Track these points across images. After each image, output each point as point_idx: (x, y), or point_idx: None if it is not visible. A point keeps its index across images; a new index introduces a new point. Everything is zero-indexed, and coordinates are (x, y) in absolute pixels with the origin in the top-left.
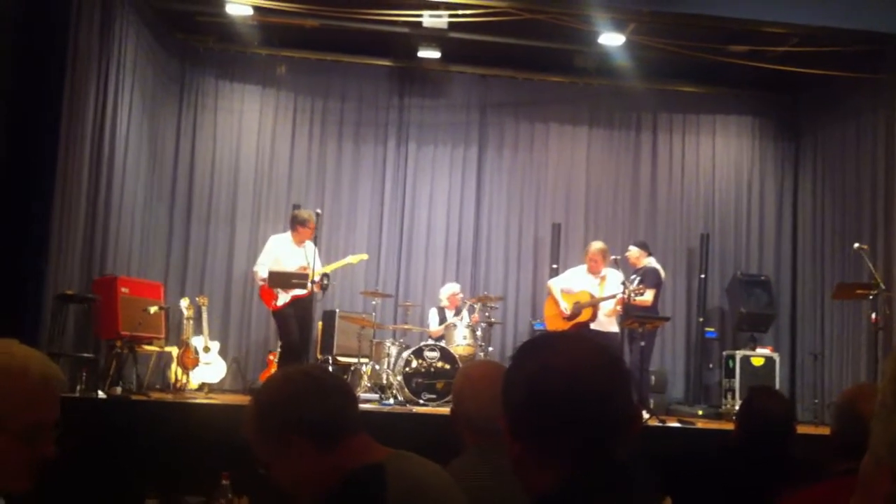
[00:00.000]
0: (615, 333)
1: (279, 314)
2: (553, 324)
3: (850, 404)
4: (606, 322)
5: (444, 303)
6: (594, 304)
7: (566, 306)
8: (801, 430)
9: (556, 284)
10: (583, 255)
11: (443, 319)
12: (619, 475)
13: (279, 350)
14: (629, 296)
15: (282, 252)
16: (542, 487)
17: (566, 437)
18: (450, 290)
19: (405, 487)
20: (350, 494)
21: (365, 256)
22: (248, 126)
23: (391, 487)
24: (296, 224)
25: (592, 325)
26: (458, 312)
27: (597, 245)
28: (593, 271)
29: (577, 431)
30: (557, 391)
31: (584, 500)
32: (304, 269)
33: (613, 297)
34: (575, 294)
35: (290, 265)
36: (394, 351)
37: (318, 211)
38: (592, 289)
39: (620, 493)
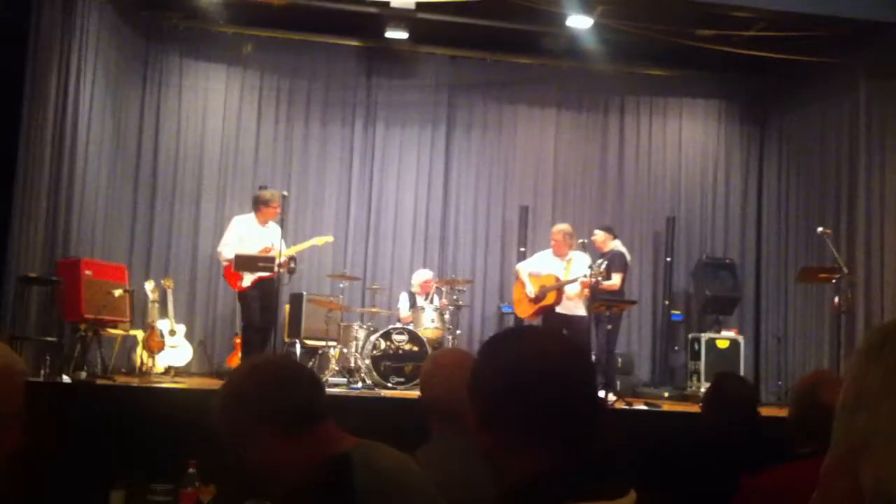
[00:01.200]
0: (582, 317)
1: (243, 295)
2: (520, 307)
3: (809, 391)
4: (573, 305)
5: (416, 289)
6: (559, 288)
7: (532, 290)
8: (765, 411)
9: (523, 268)
10: (550, 238)
11: (413, 304)
12: (590, 466)
13: (241, 331)
14: (595, 279)
15: (246, 232)
16: (515, 477)
17: (539, 426)
18: (422, 276)
19: (372, 477)
20: (318, 486)
21: (330, 238)
22: (214, 105)
23: (358, 478)
24: (259, 204)
25: (559, 309)
26: (428, 298)
27: (560, 227)
28: (558, 254)
29: (549, 420)
30: (531, 379)
31: (556, 491)
32: (268, 250)
33: (576, 280)
34: (542, 277)
35: (254, 246)
36: (362, 334)
37: (285, 193)
38: (559, 272)
39: (591, 484)
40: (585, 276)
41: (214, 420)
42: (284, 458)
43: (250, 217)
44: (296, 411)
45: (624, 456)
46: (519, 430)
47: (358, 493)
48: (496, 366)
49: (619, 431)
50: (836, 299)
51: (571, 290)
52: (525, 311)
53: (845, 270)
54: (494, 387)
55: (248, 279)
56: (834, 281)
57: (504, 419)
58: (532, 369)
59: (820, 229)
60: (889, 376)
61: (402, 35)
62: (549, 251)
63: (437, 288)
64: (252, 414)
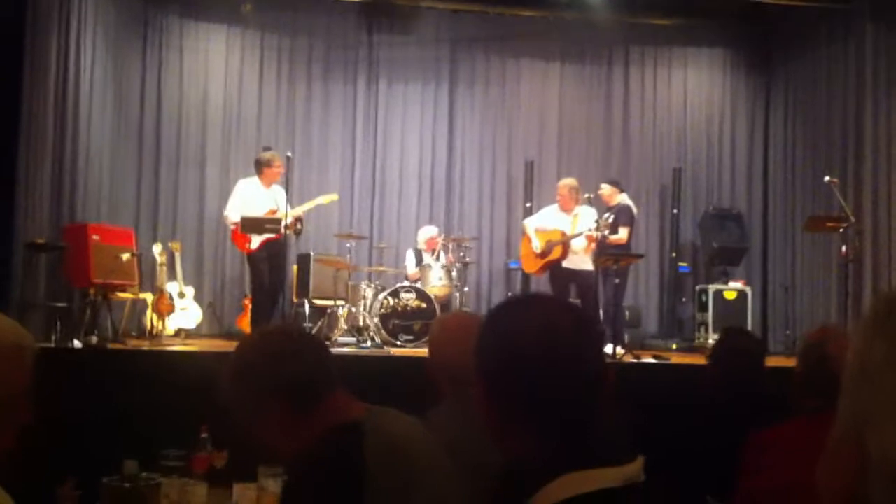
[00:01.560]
0: (589, 271)
1: (252, 257)
2: (527, 263)
3: (817, 347)
4: (580, 260)
5: (422, 246)
6: (565, 242)
7: (538, 244)
8: (773, 362)
9: (530, 224)
10: (555, 193)
11: (419, 261)
12: (596, 434)
13: (251, 294)
14: (602, 233)
15: (251, 195)
16: (518, 449)
17: (543, 399)
18: (427, 233)
19: (383, 445)
20: (327, 454)
21: (335, 197)
22: (215, 66)
23: (368, 446)
24: (261, 166)
25: (566, 264)
26: (434, 254)
27: (565, 182)
28: (565, 208)
29: (553, 392)
30: (533, 353)
31: (562, 461)
32: (273, 212)
33: (582, 234)
34: (548, 232)
35: (259, 208)
36: (370, 293)
37: (289, 154)
38: (565, 227)
39: (598, 452)
40: (591, 229)
41: (223, 392)
42: (290, 434)
43: (254, 180)
44: (302, 386)
45: (626, 422)
46: (519, 407)
47: (368, 462)
48: (498, 339)
49: (622, 395)
50: (844, 248)
51: (578, 244)
52: (532, 267)
53: (852, 219)
54: (494, 361)
55: (256, 241)
56: (841, 230)
57: (504, 396)
58: (532, 347)
59: (827, 178)
60: (894, 349)
61: None
62: (555, 206)
63: (443, 245)
64: (259, 386)
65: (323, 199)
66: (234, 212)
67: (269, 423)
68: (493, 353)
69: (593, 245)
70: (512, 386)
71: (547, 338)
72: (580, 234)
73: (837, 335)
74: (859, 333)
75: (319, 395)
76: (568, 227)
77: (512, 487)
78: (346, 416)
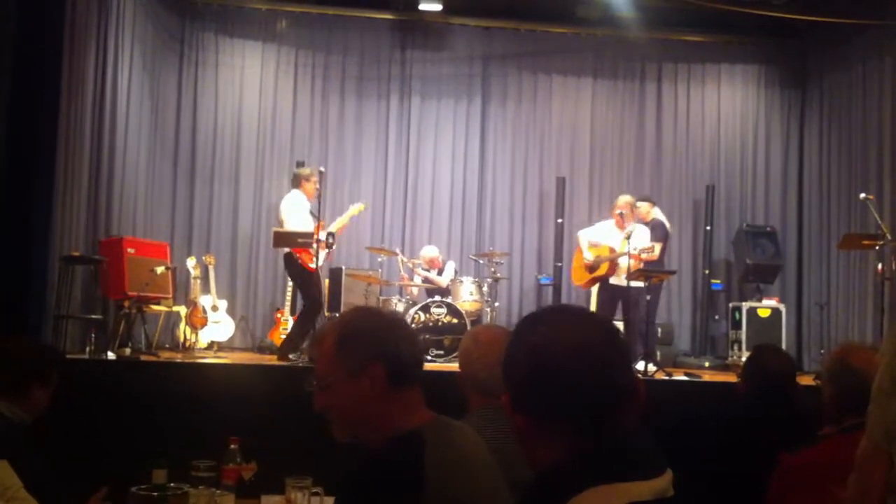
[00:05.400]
0: (639, 288)
1: (315, 274)
2: (576, 275)
3: (839, 361)
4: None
5: (424, 265)
6: (612, 260)
7: (590, 256)
8: (807, 380)
9: (584, 235)
10: (592, 209)
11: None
12: (624, 448)
13: (305, 307)
14: (639, 252)
15: (304, 208)
16: (546, 460)
17: (570, 411)
18: (428, 253)
19: (444, 456)
20: (388, 463)
21: (363, 206)
22: (250, 82)
23: (429, 456)
24: (300, 180)
25: (613, 280)
26: (440, 273)
27: (625, 198)
28: (620, 226)
29: (581, 404)
30: (561, 365)
31: (590, 473)
32: (322, 224)
33: (626, 253)
34: (599, 248)
35: (311, 220)
36: (401, 307)
37: (322, 169)
38: (617, 243)
39: (626, 466)
40: (635, 249)
41: (320, 347)
42: (375, 406)
43: (301, 195)
44: (410, 362)
45: (652, 436)
46: (546, 415)
47: (427, 472)
48: (526, 349)
49: (653, 411)
50: (880, 266)
51: (625, 262)
52: (580, 279)
53: (889, 237)
54: (524, 370)
55: (321, 258)
56: (877, 248)
57: (535, 403)
58: (563, 353)
59: (863, 195)
60: None
61: (436, 7)
62: (612, 221)
63: (444, 262)
64: (368, 348)
65: (353, 211)
66: (301, 225)
67: (355, 391)
68: (521, 363)
69: (640, 265)
70: (540, 397)
71: (574, 348)
72: (624, 254)
73: (858, 347)
74: (889, 347)
75: (412, 381)
76: (619, 243)
77: (540, 499)
78: (415, 419)
